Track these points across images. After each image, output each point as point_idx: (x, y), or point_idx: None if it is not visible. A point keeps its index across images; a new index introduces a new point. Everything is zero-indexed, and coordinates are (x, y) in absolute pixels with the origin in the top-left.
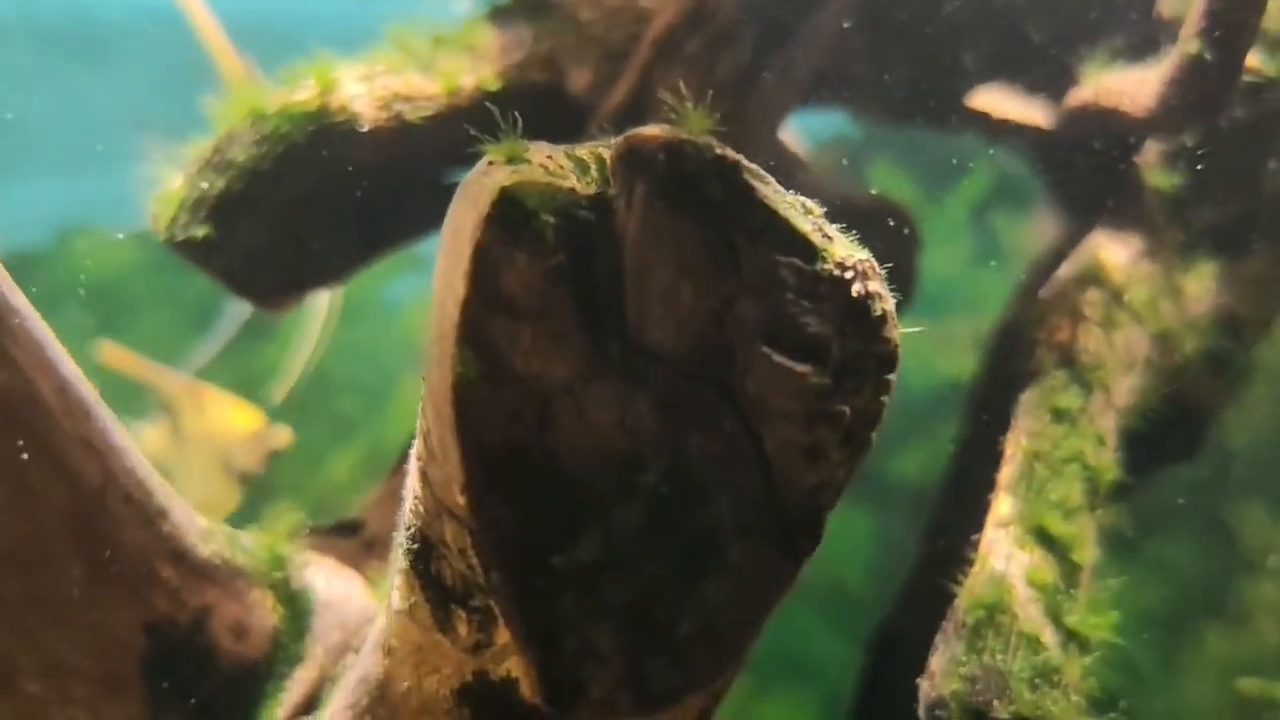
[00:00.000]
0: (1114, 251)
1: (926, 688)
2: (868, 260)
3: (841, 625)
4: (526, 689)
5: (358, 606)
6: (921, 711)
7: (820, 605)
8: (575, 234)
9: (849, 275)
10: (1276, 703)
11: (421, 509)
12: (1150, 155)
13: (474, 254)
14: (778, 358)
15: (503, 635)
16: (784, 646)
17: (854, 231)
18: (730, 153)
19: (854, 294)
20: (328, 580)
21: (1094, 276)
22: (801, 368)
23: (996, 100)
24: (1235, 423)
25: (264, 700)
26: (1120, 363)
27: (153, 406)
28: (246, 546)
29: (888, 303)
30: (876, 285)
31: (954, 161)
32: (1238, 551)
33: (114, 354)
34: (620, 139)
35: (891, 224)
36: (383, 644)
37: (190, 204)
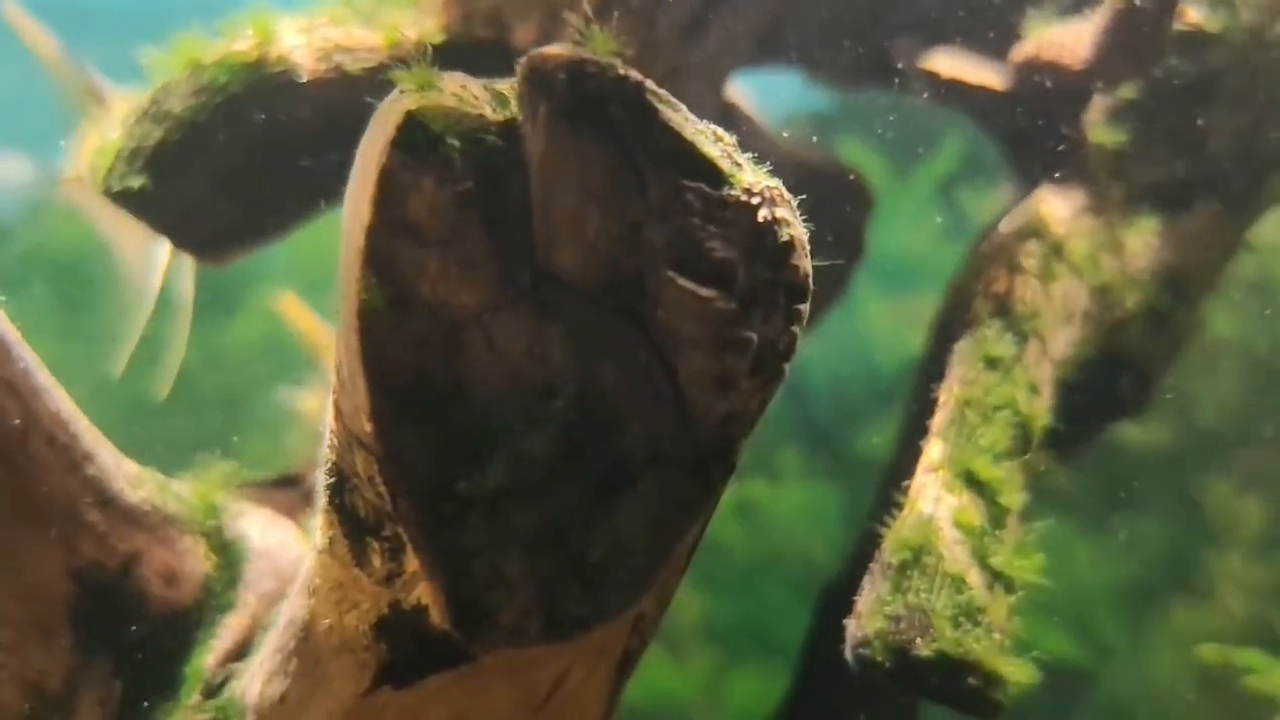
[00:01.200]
0: (1056, 206)
1: (853, 628)
2: (776, 187)
3: (810, 599)
4: (436, 615)
5: (292, 555)
6: (848, 652)
7: (789, 580)
8: (484, 160)
9: (755, 201)
10: (1238, 669)
11: (335, 441)
12: (1095, 112)
13: (379, 178)
14: (684, 282)
15: (412, 563)
16: (753, 620)
17: (805, 189)
18: (634, 74)
19: (760, 219)
20: (262, 530)
21: (1034, 230)
22: (707, 292)
23: (949, 62)
24: (1203, 397)
25: (195, 646)
26: (1057, 314)
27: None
28: (179, 494)
29: (796, 230)
30: (784, 212)
31: (923, 139)
32: (1205, 525)
33: (293, 307)
34: (523, 59)
35: (843, 184)
36: (308, 585)
37: (127, 155)
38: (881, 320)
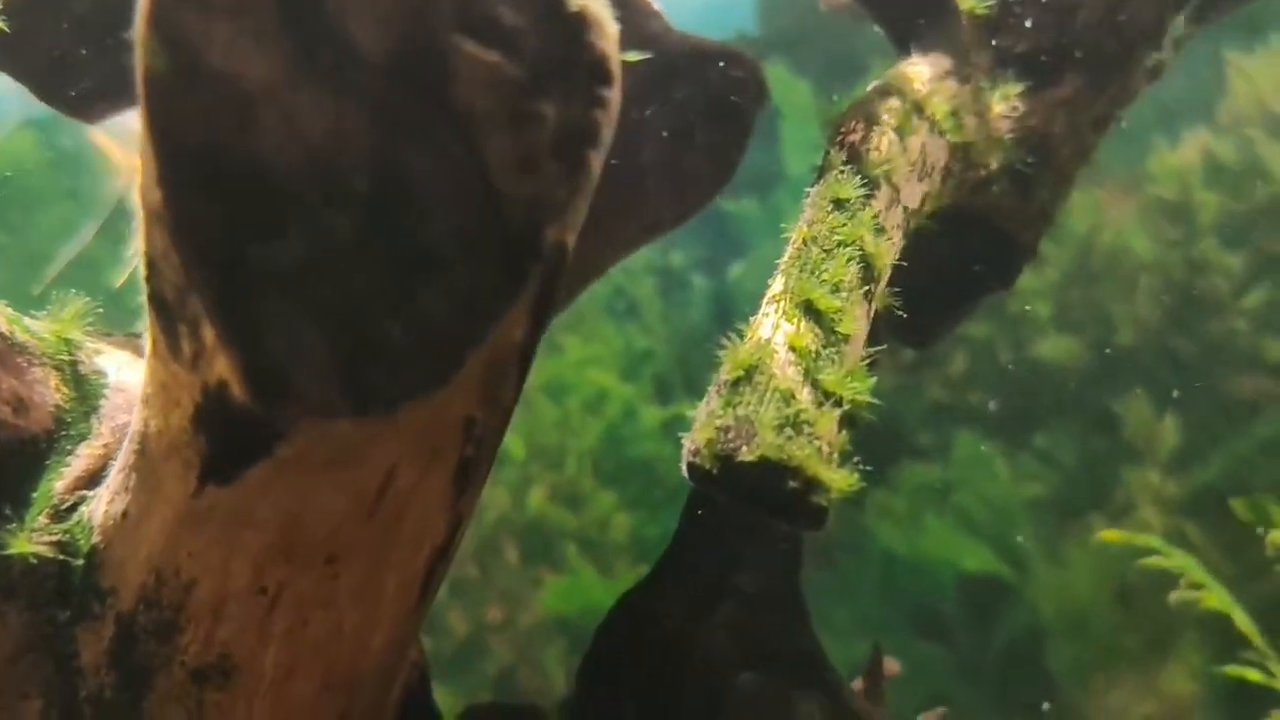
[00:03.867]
0: (920, 69)
1: (687, 444)
2: None
3: None
4: (236, 388)
5: None
6: (683, 467)
7: None
8: None
9: None
10: (1138, 548)
11: (143, 227)
12: None
13: None
14: (471, 47)
15: (209, 334)
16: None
17: (694, 73)
18: None
19: None
20: (121, 366)
21: (895, 89)
22: (494, 56)
23: None
24: (1121, 317)
25: (45, 473)
26: (913, 166)
27: None
28: (32, 328)
29: (594, 9)
30: None
31: (849, 68)
32: (1123, 442)
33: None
34: None
35: (735, 73)
36: (141, 397)
37: None
38: None
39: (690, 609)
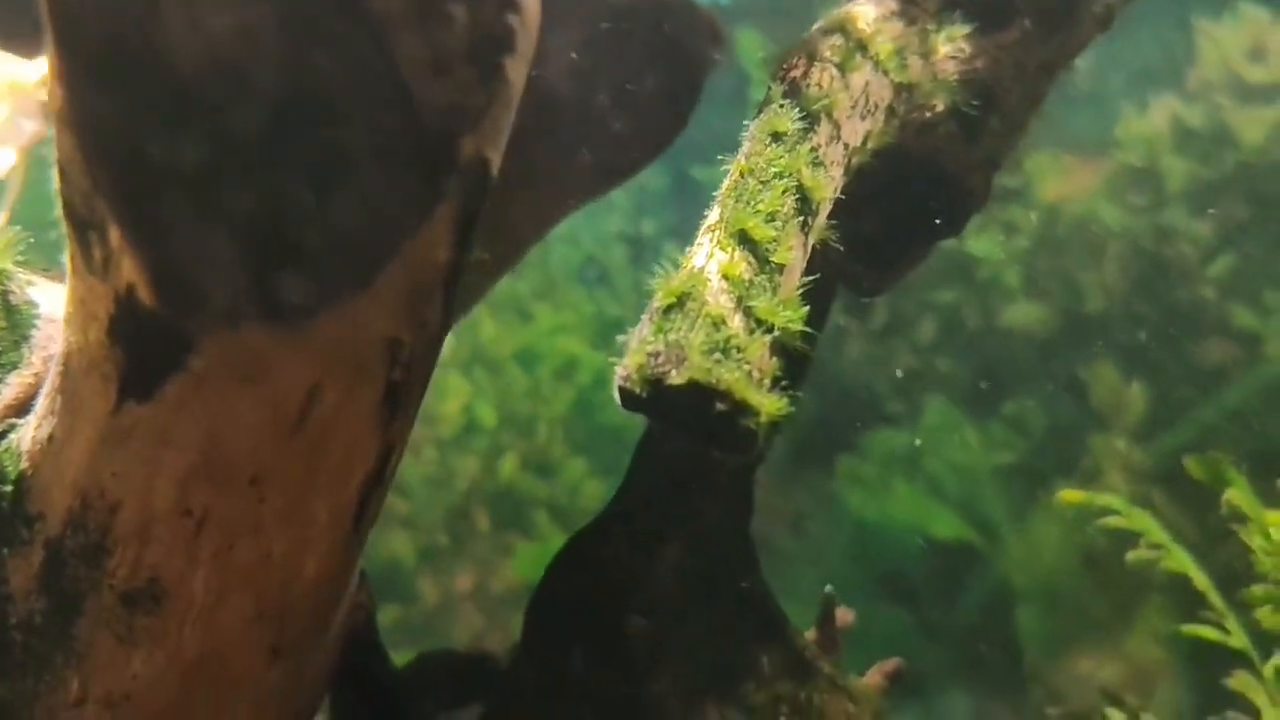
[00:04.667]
0: (866, 9)
1: (619, 370)
2: None
3: None
4: (144, 292)
5: None
6: (616, 395)
7: None
8: None
9: None
10: (1103, 514)
11: (56, 137)
12: None
13: None
14: None
15: (115, 235)
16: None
17: (650, 20)
18: None
19: None
20: (54, 299)
21: (839, 27)
22: None
23: None
24: (1089, 284)
25: None
26: (854, 103)
27: None
28: None
29: None
30: None
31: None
32: (1090, 409)
33: None
34: None
35: (690, 21)
36: (64, 317)
37: None
38: None
39: (637, 551)
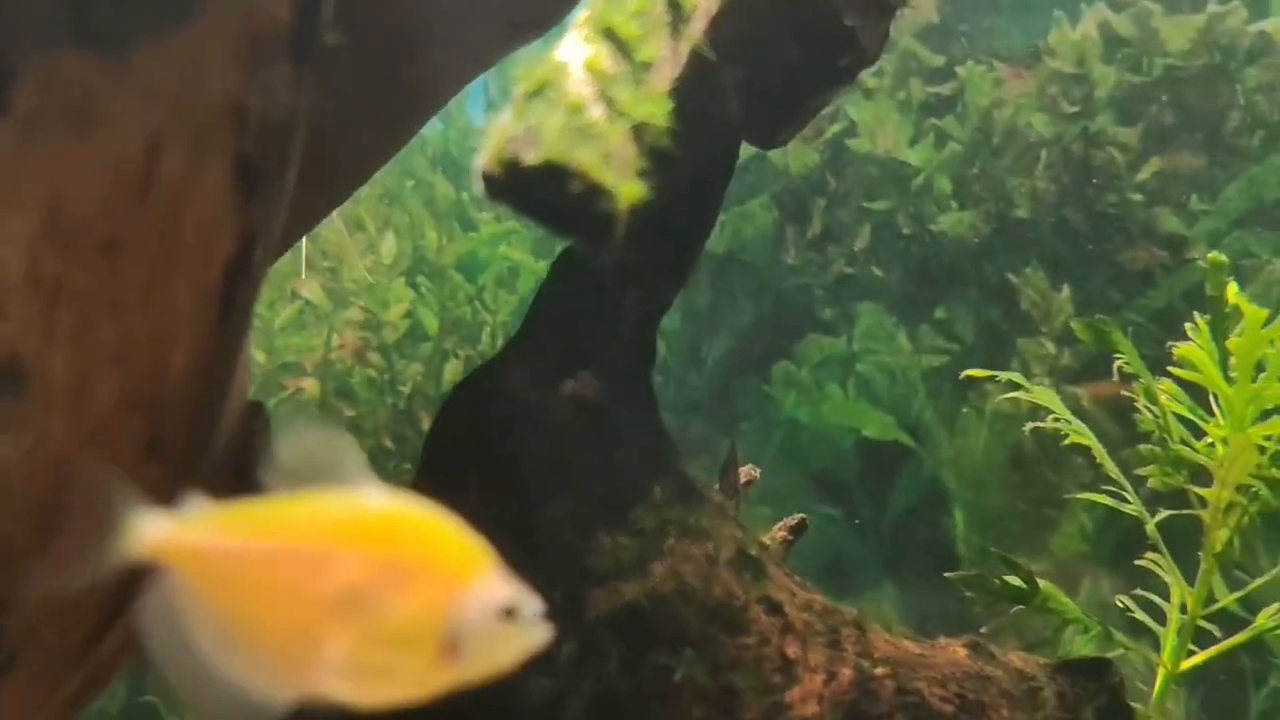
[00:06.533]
0: None
1: (480, 159)
2: None
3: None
4: None
5: None
6: (478, 183)
7: None
8: None
9: None
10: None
11: None
12: None
13: None
14: None
15: None
16: None
17: None
18: None
19: None
20: None
21: None
22: None
23: None
24: (1017, 191)
25: None
26: None
27: None
28: None
29: None
30: None
31: None
32: (1018, 313)
33: None
34: None
35: None
36: None
37: None
38: None
39: (537, 382)
